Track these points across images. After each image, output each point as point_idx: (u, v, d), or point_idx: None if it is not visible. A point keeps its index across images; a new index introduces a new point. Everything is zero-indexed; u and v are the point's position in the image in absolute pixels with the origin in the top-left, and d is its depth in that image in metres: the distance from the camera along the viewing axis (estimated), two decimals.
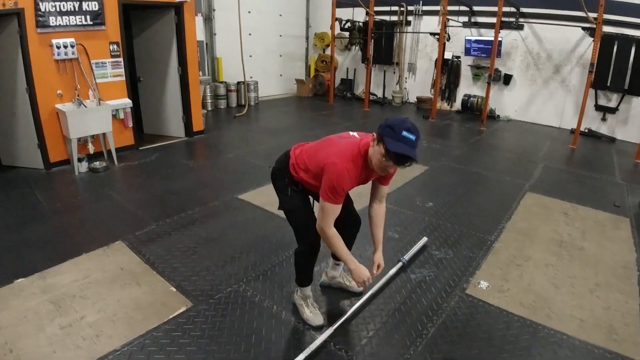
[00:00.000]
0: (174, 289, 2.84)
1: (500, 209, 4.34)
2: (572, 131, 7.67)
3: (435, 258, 3.35)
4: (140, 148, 6.21)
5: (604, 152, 7.01)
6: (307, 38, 12.24)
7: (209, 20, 9.47)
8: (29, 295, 2.73)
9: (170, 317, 2.56)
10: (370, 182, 2.34)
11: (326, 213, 2.07)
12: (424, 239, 3.54)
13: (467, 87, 9.80)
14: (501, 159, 6.31)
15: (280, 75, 11.69)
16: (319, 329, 2.48)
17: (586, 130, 7.92)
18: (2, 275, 2.94)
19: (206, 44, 9.56)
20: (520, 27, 8.70)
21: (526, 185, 5.10)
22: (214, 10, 9.46)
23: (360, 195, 2.72)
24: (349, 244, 2.70)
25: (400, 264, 3.15)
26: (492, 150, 6.74)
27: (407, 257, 3.23)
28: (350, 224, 2.56)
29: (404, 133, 1.82)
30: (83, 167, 5.21)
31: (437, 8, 8.79)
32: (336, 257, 2.72)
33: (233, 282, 2.94)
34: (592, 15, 6.64)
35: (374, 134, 1.96)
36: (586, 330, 2.56)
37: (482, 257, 3.39)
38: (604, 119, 8.06)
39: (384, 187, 2.36)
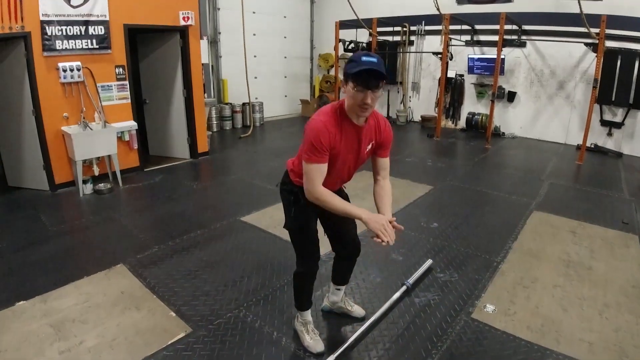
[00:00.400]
0: (174, 314, 2.80)
1: (506, 229, 4.28)
2: (578, 147, 7.61)
3: (440, 281, 3.29)
4: (145, 169, 6.26)
5: (611, 167, 6.93)
6: (311, 59, 12.40)
7: (214, 43, 9.64)
8: (30, 319, 2.72)
9: (169, 342, 2.52)
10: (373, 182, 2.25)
11: (309, 175, 1.96)
12: (429, 262, 3.48)
13: (472, 105, 9.80)
14: (507, 177, 6.26)
15: (285, 95, 11.80)
16: (320, 356, 2.42)
17: (592, 146, 7.85)
18: (4, 297, 2.95)
19: (212, 66, 9.70)
20: (522, 45, 8.74)
21: (533, 203, 5.03)
22: (219, 33, 9.63)
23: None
24: (348, 270, 2.66)
25: (404, 288, 3.09)
26: (497, 169, 6.69)
27: (411, 280, 3.17)
28: (350, 248, 2.52)
29: (364, 58, 1.82)
30: (88, 188, 5.25)
31: (440, 28, 8.88)
32: (337, 282, 2.68)
33: (233, 307, 2.90)
34: (594, 30, 6.66)
35: (341, 81, 1.98)
36: (596, 353, 2.48)
37: (488, 279, 3.32)
38: (609, 134, 7.99)
39: (384, 159, 2.22)
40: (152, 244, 3.84)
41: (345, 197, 2.35)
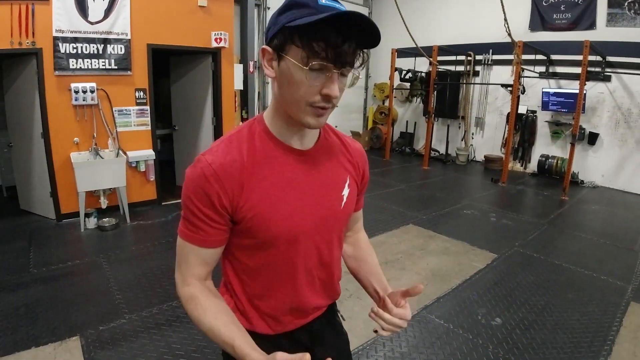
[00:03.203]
0: None
1: (596, 333, 3.05)
2: None
3: None
4: (163, 203, 5.66)
5: None
6: (366, 89, 11.64)
7: (262, 68, 9.15)
8: None
9: None
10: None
11: (178, 257, 1.03)
12: None
13: (545, 146, 8.45)
14: (591, 245, 4.88)
15: (336, 126, 10.77)
16: None
17: None
18: None
19: (258, 92, 9.22)
20: (607, 79, 7.39)
21: (628, 290, 3.72)
22: None
23: None
24: None
25: None
26: (578, 231, 5.31)
27: None
28: None
29: (323, 1, 0.86)
30: (91, 223, 4.69)
31: (510, 57, 7.74)
32: None
33: None
34: None
35: (262, 48, 0.96)
36: None
37: None
38: None
39: (358, 212, 1.37)
40: (124, 311, 3.07)
41: (339, 329, 1.34)
